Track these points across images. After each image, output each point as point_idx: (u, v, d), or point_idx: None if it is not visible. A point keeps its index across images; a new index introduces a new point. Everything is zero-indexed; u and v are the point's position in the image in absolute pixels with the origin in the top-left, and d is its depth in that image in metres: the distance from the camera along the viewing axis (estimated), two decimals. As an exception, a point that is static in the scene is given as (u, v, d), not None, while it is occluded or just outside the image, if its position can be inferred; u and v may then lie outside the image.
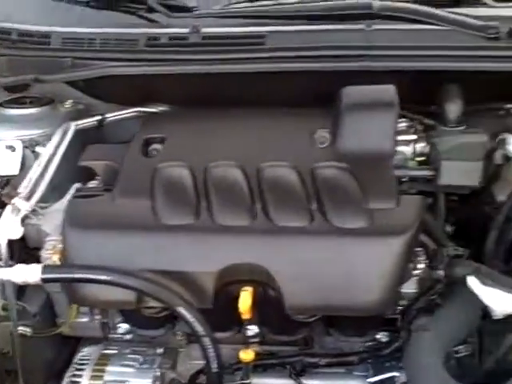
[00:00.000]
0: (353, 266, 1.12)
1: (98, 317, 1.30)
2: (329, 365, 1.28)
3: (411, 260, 1.20)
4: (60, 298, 1.26)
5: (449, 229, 1.38)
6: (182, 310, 1.09)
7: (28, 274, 1.11)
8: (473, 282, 1.11)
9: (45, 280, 1.11)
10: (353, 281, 1.11)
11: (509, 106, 1.42)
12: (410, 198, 1.22)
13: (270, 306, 1.16)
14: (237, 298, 1.14)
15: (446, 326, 1.13)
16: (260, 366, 1.29)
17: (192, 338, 1.30)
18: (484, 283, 1.10)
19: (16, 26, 1.52)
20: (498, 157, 1.29)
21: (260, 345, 1.30)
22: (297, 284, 1.12)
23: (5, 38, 1.51)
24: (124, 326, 1.32)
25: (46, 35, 1.49)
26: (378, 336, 1.29)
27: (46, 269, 1.11)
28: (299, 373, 1.28)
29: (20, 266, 1.12)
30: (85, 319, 1.29)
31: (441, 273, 1.18)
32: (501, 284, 1.10)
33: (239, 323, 1.22)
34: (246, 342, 1.28)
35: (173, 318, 1.27)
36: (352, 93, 1.30)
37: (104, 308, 1.27)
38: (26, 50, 1.48)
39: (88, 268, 1.10)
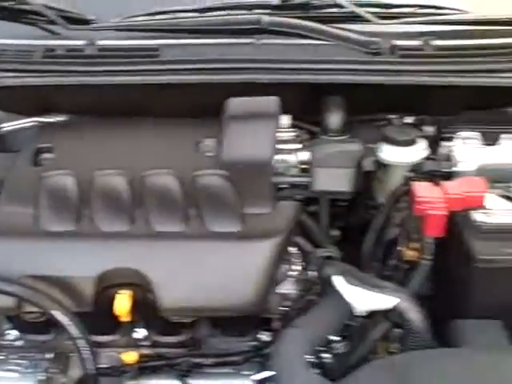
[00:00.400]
0: (225, 268, 1.17)
1: (-15, 324, 1.31)
2: (214, 365, 1.33)
3: (286, 262, 1.27)
4: None
5: (335, 233, 1.45)
6: (57, 314, 1.12)
7: None
8: (338, 281, 1.18)
9: None
10: (225, 282, 1.17)
11: (390, 116, 1.51)
12: (285, 203, 1.28)
13: (150, 309, 1.21)
14: (117, 301, 1.18)
15: (314, 323, 1.19)
16: (148, 367, 1.33)
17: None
18: (350, 283, 1.17)
19: None
20: (367, 163, 1.36)
21: (150, 347, 1.35)
22: (171, 287, 1.16)
23: None
24: (13, 333, 1.34)
25: None
26: (260, 336, 1.34)
27: None
28: (185, 373, 1.32)
29: None
30: (-28, 326, 1.31)
31: (313, 274, 1.24)
32: (365, 283, 1.17)
33: (123, 326, 1.26)
34: (134, 345, 1.33)
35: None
36: (235, 104, 1.35)
37: None
38: None
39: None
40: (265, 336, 1.34)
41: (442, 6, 1.63)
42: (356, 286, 1.16)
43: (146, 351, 1.33)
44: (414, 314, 1.13)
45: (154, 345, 1.34)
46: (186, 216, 1.22)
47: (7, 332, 1.34)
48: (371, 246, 1.36)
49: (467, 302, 1.18)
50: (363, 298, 1.15)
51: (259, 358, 1.34)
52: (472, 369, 0.98)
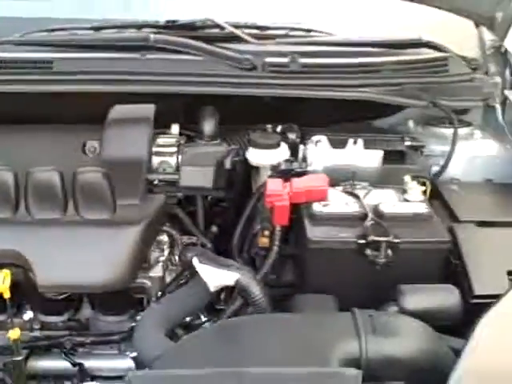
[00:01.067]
0: (95, 250, 1.35)
1: None
2: (94, 343, 1.49)
3: (157, 248, 1.45)
4: None
5: (214, 229, 1.64)
6: None
7: None
8: (196, 262, 1.36)
9: None
10: (94, 262, 1.35)
11: (266, 125, 1.71)
12: (153, 196, 1.47)
13: (30, 287, 1.36)
14: (-1, 281, 1.33)
15: (173, 300, 1.37)
16: (36, 347, 1.48)
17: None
18: (202, 262, 1.36)
19: None
20: (227, 163, 1.55)
21: (37, 328, 1.50)
22: (47, 266, 1.33)
23: None
24: None
25: None
26: (137, 317, 1.51)
27: None
28: (70, 352, 1.48)
29: None
30: None
31: (177, 258, 1.43)
32: (214, 262, 1.36)
33: (8, 305, 1.41)
34: (22, 326, 1.48)
35: None
36: (116, 110, 1.53)
37: None
38: None
39: None
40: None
41: (311, 29, 1.85)
42: (207, 264, 1.35)
43: (34, 332, 1.49)
44: (255, 289, 1.32)
45: (41, 326, 1.49)
46: (63, 206, 1.40)
47: None
48: (239, 238, 1.55)
49: (306, 279, 1.38)
50: (212, 275, 1.34)
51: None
52: (285, 329, 1.18)
